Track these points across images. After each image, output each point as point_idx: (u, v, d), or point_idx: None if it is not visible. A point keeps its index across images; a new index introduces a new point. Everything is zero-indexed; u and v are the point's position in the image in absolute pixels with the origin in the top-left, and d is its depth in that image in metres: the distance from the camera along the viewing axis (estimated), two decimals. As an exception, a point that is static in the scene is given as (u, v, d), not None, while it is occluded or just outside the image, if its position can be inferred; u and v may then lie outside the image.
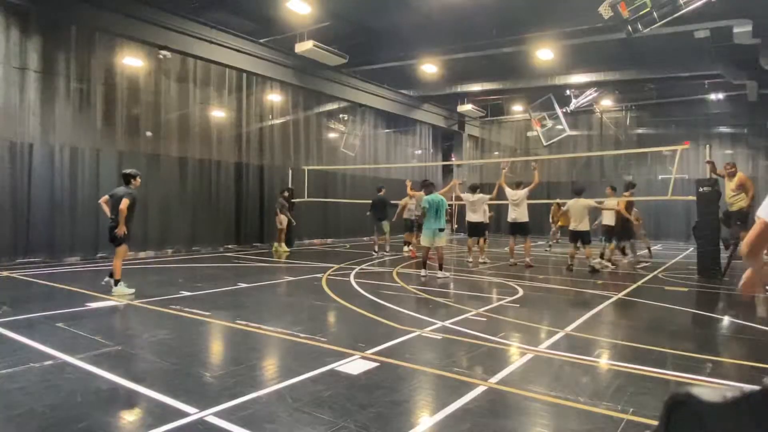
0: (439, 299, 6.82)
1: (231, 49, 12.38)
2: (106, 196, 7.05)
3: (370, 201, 13.22)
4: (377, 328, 5.16)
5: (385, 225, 12.84)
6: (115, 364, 3.87)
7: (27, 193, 9.91)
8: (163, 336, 4.77)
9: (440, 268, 8.64)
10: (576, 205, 9.86)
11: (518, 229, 10.62)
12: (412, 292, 7.32)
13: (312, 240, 15.70)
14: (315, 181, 15.09)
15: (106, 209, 6.99)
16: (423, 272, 8.80)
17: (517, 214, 10.49)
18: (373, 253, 12.77)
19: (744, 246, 1.77)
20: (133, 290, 6.81)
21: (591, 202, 9.89)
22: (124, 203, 6.64)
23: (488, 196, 10.87)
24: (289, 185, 14.70)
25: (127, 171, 7.07)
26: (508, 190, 10.59)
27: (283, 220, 13.08)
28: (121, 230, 6.71)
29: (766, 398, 1.01)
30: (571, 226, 10.04)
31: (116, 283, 6.81)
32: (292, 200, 13.95)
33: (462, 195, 11.25)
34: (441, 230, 8.70)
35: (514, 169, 22.07)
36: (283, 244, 13.18)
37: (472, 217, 10.96)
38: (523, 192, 10.49)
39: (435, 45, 13.25)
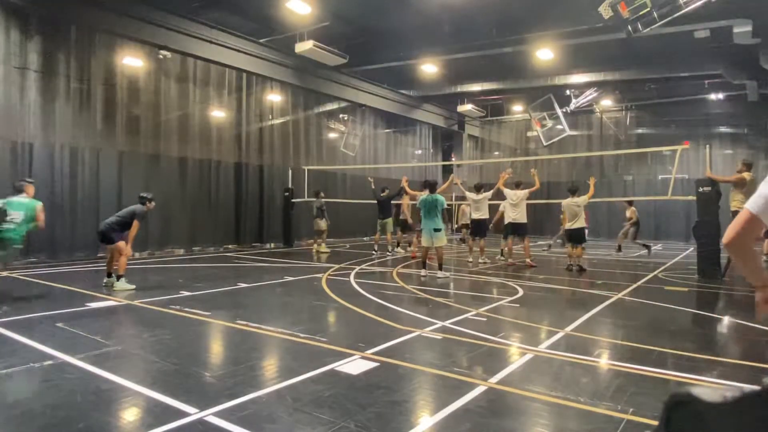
0: (439, 299, 6.82)
1: (231, 49, 12.39)
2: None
3: (375, 201, 13.21)
4: (377, 328, 5.16)
5: (389, 224, 12.84)
6: (115, 364, 3.87)
7: (27, 193, 9.91)
8: (163, 336, 4.77)
9: (440, 268, 8.64)
10: (570, 204, 9.86)
11: (517, 230, 10.64)
12: (412, 292, 7.32)
13: (311, 240, 15.67)
14: (315, 181, 15.09)
15: None
16: (423, 272, 8.80)
17: (517, 214, 10.50)
18: (373, 252, 12.77)
19: (725, 237, 1.67)
20: (134, 286, 7.09)
21: (585, 200, 9.89)
22: (135, 226, 7.19)
23: (490, 193, 10.88)
24: (290, 185, 14.71)
25: (143, 194, 7.58)
26: (507, 191, 10.60)
27: (323, 222, 13.06)
28: (129, 250, 7.28)
29: (766, 398, 1.01)
30: (567, 226, 10.04)
31: (119, 278, 7.09)
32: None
33: (467, 194, 11.27)
34: (437, 230, 8.64)
35: (514, 169, 22.09)
36: (323, 245, 13.20)
37: (475, 215, 10.96)
38: (522, 193, 10.50)
39: (435, 45, 13.24)
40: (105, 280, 7.34)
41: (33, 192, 7.03)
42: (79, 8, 9.91)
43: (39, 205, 6.87)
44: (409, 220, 12.83)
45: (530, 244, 11.06)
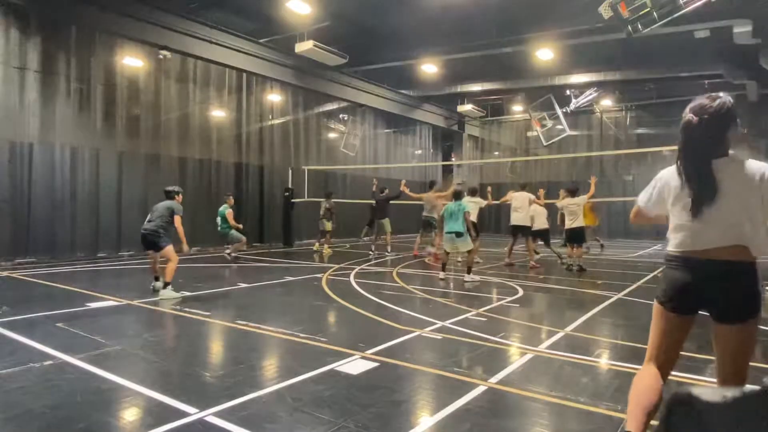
0: (439, 299, 6.82)
1: (231, 49, 12.38)
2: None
3: (373, 201, 13.24)
4: (377, 328, 5.16)
5: (386, 224, 12.84)
6: (115, 364, 3.87)
7: (27, 193, 9.92)
8: (163, 336, 4.77)
9: (468, 272, 8.40)
10: (569, 204, 9.88)
11: (519, 232, 10.61)
12: (412, 292, 7.32)
13: (311, 240, 15.68)
14: (315, 181, 15.09)
15: None
16: (441, 275, 8.58)
17: (519, 217, 10.46)
18: (370, 252, 12.77)
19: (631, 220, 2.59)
20: (180, 295, 6.65)
21: (584, 199, 9.91)
22: (178, 220, 6.80)
23: (485, 202, 10.90)
24: (290, 185, 14.70)
25: (170, 188, 7.12)
26: (511, 194, 10.62)
27: (329, 223, 13.05)
28: (185, 249, 6.98)
29: (766, 398, 1.01)
30: (566, 225, 10.04)
31: (165, 285, 6.64)
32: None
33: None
34: (458, 235, 8.32)
35: (514, 169, 22.11)
36: (326, 246, 13.20)
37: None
38: (526, 195, 10.49)
39: (435, 45, 13.24)
40: (153, 284, 6.89)
41: (231, 202, 10.84)
42: (79, 8, 9.90)
43: (227, 211, 10.47)
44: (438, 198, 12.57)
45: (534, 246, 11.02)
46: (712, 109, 2.11)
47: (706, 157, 2.12)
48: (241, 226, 10.83)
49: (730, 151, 2.15)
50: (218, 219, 10.58)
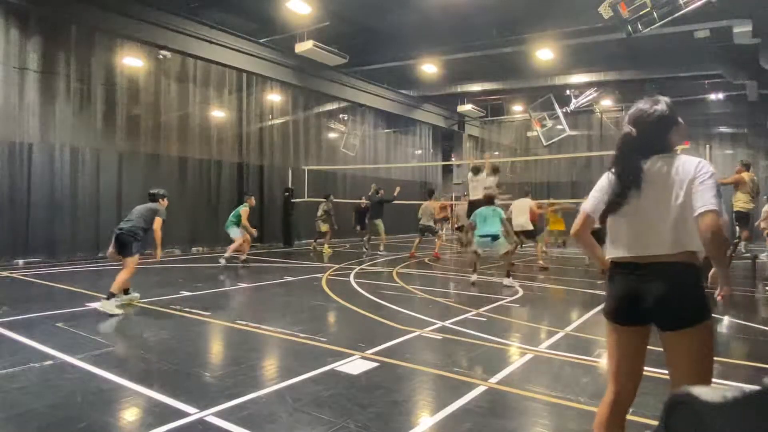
0: (439, 299, 6.82)
1: (231, 49, 12.38)
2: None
3: (368, 202, 13.31)
4: (377, 328, 5.16)
5: (380, 225, 12.88)
6: (115, 364, 3.87)
7: (27, 193, 9.92)
8: (163, 336, 4.77)
9: (507, 276, 8.06)
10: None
11: (522, 235, 10.55)
12: (412, 292, 7.32)
13: (311, 240, 15.69)
14: (315, 181, 15.10)
15: None
16: (473, 277, 8.18)
17: (521, 222, 10.40)
18: (364, 249, 12.79)
19: (572, 232, 2.31)
20: (121, 312, 5.67)
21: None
22: (158, 222, 6.13)
23: (490, 179, 10.71)
24: (290, 185, 14.71)
25: (155, 191, 6.50)
26: (512, 204, 10.59)
27: (324, 225, 13.06)
28: (158, 255, 6.27)
29: (766, 398, 1.01)
30: None
31: (110, 296, 5.67)
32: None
33: (469, 176, 11.16)
34: (494, 238, 7.84)
35: (514, 169, 22.10)
36: (326, 246, 13.21)
37: (473, 195, 10.57)
38: (528, 203, 10.47)
39: (435, 45, 13.24)
40: (121, 298, 5.99)
41: (252, 202, 10.74)
42: (79, 8, 9.90)
43: (242, 209, 10.23)
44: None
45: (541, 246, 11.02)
46: (651, 118, 2.08)
47: (643, 155, 2.06)
48: (254, 231, 10.57)
49: (677, 150, 2.10)
50: (231, 214, 10.46)
